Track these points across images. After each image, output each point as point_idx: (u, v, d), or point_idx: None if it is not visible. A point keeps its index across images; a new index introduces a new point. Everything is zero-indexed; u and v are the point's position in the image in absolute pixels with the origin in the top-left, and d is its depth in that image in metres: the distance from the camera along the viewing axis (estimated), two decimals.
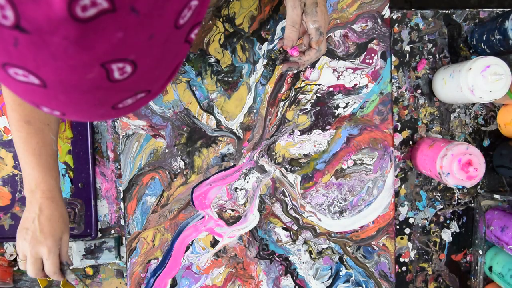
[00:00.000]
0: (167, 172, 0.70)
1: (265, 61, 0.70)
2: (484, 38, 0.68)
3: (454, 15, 0.73)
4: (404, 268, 0.74)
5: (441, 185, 0.73)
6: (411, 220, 0.74)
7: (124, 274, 0.74)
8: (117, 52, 0.23)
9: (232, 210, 0.70)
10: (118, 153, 0.73)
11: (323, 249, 0.70)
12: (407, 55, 0.73)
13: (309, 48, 0.57)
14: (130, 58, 0.24)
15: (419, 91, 0.73)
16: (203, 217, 0.70)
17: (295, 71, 0.67)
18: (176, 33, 0.26)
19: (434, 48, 0.73)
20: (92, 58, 0.22)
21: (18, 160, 0.58)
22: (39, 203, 0.56)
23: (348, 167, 0.70)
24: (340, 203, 0.70)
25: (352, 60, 0.69)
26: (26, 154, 0.56)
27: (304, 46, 0.57)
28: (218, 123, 0.70)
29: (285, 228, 0.70)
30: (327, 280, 0.71)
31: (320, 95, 0.70)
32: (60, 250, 0.59)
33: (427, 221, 0.74)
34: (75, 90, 0.25)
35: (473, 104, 0.73)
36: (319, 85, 0.70)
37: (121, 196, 0.73)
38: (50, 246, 0.57)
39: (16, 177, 0.73)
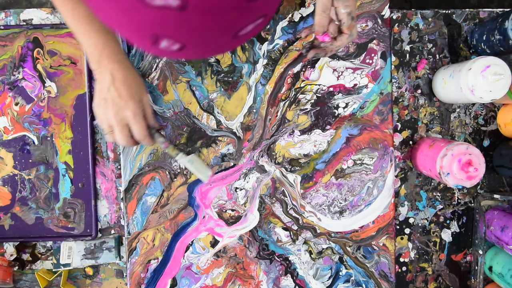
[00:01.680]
0: (167, 172, 0.70)
1: (265, 61, 0.70)
2: (484, 38, 0.68)
3: (454, 15, 0.73)
4: (404, 268, 0.74)
5: (441, 185, 0.73)
6: (411, 220, 0.74)
7: (124, 274, 0.74)
8: None
9: (232, 210, 0.70)
10: (118, 153, 0.73)
11: (323, 249, 0.70)
12: (407, 55, 0.73)
13: (339, 34, 0.56)
14: None
15: (419, 91, 0.73)
16: (203, 217, 0.70)
17: (321, 57, 0.66)
18: None
19: (434, 48, 0.73)
20: None
21: (76, 37, 0.55)
22: (109, 70, 0.54)
23: (348, 167, 0.70)
24: (340, 203, 0.70)
25: (352, 60, 0.69)
26: (79, 25, 0.54)
27: (331, 34, 0.57)
28: (218, 123, 0.70)
29: (285, 228, 0.70)
30: (327, 280, 0.71)
31: (320, 95, 0.70)
32: (144, 112, 0.56)
33: (427, 221, 0.74)
34: (214, 11, 0.24)
35: (473, 104, 0.73)
36: (319, 85, 0.70)
37: (121, 196, 0.73)
38: (133, 109, 0.55)
39: (16, 177, 0.73)
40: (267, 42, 0.69)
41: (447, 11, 0.73)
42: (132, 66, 0.57)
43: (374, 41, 0.69)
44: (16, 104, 0.73)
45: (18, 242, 0.73)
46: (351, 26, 0.55)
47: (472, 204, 0.74)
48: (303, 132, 0.70)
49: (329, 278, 0.71)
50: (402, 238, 0.74)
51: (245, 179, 0.70)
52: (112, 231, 0.74)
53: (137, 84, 0.57)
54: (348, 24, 0.54)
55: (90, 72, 0.71)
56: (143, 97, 0.57)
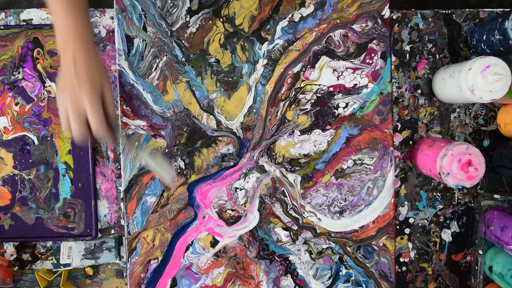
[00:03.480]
0: None
1: (265, 61, 0.70)
2: (484, 38, 0.68)
3: (454, 15, 0.73)
4: (404, 268, 0.74)
5: (441, 185, 0.73)
6: (411, 220, 0.74)
7: (124, 274, 0.74)
8: None
9: (232, 210, 0.70)
10: (118, 153, 0.73)
11: (323, 249, 0.70)
12: (407, 55, 0.73)
13: None
14: None
15: (419, 91, 0.73)
16: (203, 217, 0.70)
17: None
18: None
19: (434, 48, 0.73)
20: None
21: (52, 18, 0.54)
22: (73, 51, 0.53)
23: (348, 167, 0.70)
24: (340, 203, 0.70)
25: (352, 60, 0.69)
26: (57, 3, 0.53)
27: None
28: (218, 123, 0.70)
29: (285, 228, 0.70)
30: (327, 280, 0.71)
31: (320, 95, 0.70)
32: (104, 101, 0.53)
33: (427, 221, 0.74)
34: None
35: (473, 104, 0.73)
36: (319, 85, 0.70)
37: (121, 196, 0.73)
38: (90, 94, 0.52)
39: (16, 177, 0.73)
40: (267, 42, 0.69)
41: (447, 11, 0.73)
42: (98, 53, 0.55)
43: (374, 41, 0.69)
44: (16, 104, 0.73)
45: (18, 242, 0.73)
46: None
47: (472, 204, 0.74)
48: (303, 132, 0.70)
49: (329, 278, 0.71)
50: (402, 238, 0.74)
51: (245, 179, 0.70)
52: (112, 231, 0.74)
53: (100, 69, 0.54)
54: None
55: None
56: (104, 84, 0.54)
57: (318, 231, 0.70)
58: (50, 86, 0.72)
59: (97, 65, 0.54)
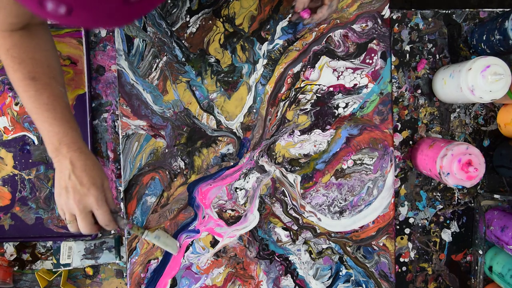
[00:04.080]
0: (167, 172, 0.70)
1: (265, 61, 0.70)
2: (484, 38, 0.68)
3: (454, 15, 0.73)
4: (404, 268, 0.74)
5: (441, 185, 0.73)
6: (411, 220, 0.74)
7: (124, 274, 0.74)
8: None
9: (232, 210, 0.70)
10: (118, 153, 0.73)
11: (323, 249, 0.70)
12: (407, 55, 0.73)
13: (321, 5, 0.57)
14: None
15: (419, 91, 0.73)
16: (203, 217, 0.70)
17: (306, 24, 0.66)
18: None
19: (434, 48, 0.73)
20: None
21: (36, 123, 0.55)
22: (68, 158, 0.54)
23: (348, 167, 0.70)
24: (340, 203, 0.70)
25: (352, 60, 0.69)
26: (40, 111, 0.54)
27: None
28: (218, 123, 0.70)
29: (285, 228, 0.70)
30: (327, 280, 0.71)
31: (320, 95, 0.70)
32: (106, 198, 0.56)
33: (427, 221, 0.74)
34: None
35: (473, 104, 0.73)
36: (319, 85, 0.70)
37: (121, 196, 0.73)
38: (96, 195, 0.54)
39: (16, 177, 0.73)
40: (267, 42, 0.69)
41: (447, 11, 0.73)
42: (90, 153, 0.57)
43: (374, 41, 0.69)
44: (16, 104, 0.73)
45: (18, 242, 0.73)
46: None
47: (472, 204, 0.74)
48: (303, 132, 0.70)
49: (329, 278, 0.71)
50: (402, 238, 0.74)
51: (245, 179, 0.70)
52: (112, 231, 0.74)
53: (97, 170, 0.56)
54: None
55: (90, 72, 0.71)
56: (104, 182, 0.57)
57: (318, 231, 0.70)
58: None
59: (94, 166, 0.56)
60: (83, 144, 0.56)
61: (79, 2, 0.25)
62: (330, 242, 0.70)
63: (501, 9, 0.73)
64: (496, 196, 0.70)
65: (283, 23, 0.69)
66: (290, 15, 0.68)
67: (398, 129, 0.73)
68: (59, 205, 0.56)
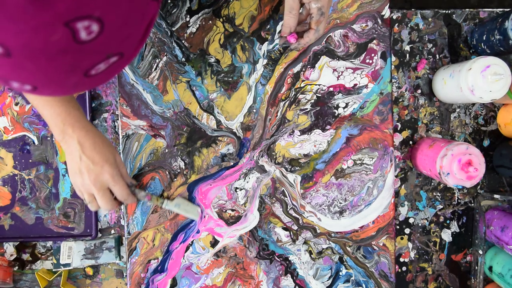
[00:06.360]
0: (167, 172, 0.70)
1: (265, 61, 0.70)
2: (484, 38, 0.68)
3: (454, 15, 0.73)
4: (404, 268, 0.74)
5: (441, 185, 0.73)
6: (411, 220, 0.74)
7: (124, 274, 0.74)
8: (80, 9, 0.22)
9: (232, 210, 0.70)
10: (118, 153, 0.73)
11: (323, 249, 0.70)
12: (407, 55, 0.73)
13: (308, 29, 0.56)
14: (95, 15, 0.23)
15: (419, 91, 0.73)
16: (203, 217, 0.70)
17: (293, 49, 0.66)
18: None
19: (434, 48, 0.73)
20: (53, 16, 0.21)
21: (37, 110, 0.55)
22: (76, 138, 0.54)
23: (348, 167, 0.70)
24: (340, 203, 0.70)
25: (352, 60, 0.69)
26: (46, 101, 0.53)
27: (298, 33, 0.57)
28: (218, 123, 0.70)
29: (285, 228, 0.70)
30: (327, 280, 0.71)
31: (320, 95, 0.70)
32: (120, 172, 0.57)
33: (427, 221, 0.74)
34: (41, 55, 0.23)
35: (473, 104, 0.73)
36: (319, 85, 0.70)
37: None
38: (110, 171, 0.55)
39: (16, 177, 0.73)
40: (267, 42, 0.69)
41: (447, 11, 0.73)
42: (97, 130, 0.56)
43: (374, 41, 0.69)
44: (16, 104, 0.73)
45: (18, 242, 0.73)
46: (319, 21, 0.54)
47: (472, 204, 0.74)
48: (303, 132, 0.70)
49: (329, 278, 0.71)
50: (402, 238, 0.74)
51: (245, 179, 0.70)
52: (112, 231, 0.74)
53: (107, 146, 0.56)
54: (317, 19, 0.54)
55: None
56: (116, 158, 0.57)
57: (318, 231, 0.70)
58: None
59: (104, 143, 0.56)
60: (87, 122, 0.56)
61: (42, 82, 0.26)
62: (330, 242, 0.70)
63: (501, 9, 0.73)
64: (496, 196, 0.70)
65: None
66: (276, 39, 0.68)
67: (398, 129, 0.73)
68: (76, 187, 0.57)
